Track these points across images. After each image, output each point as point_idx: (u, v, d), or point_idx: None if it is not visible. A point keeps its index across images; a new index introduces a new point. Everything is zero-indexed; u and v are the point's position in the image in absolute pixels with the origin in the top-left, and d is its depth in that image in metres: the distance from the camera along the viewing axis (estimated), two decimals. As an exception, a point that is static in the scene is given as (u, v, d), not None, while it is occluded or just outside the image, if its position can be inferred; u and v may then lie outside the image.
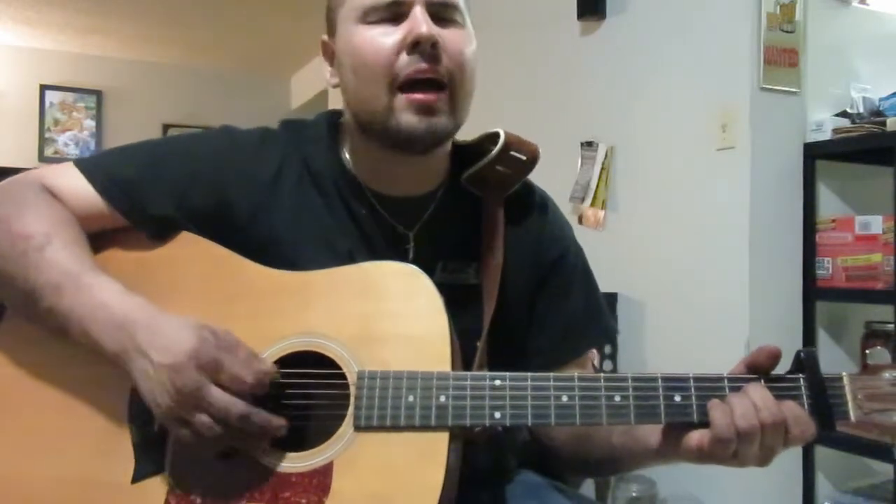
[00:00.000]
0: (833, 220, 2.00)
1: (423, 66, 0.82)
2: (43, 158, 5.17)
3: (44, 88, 5.22)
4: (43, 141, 5.24)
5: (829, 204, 2.10)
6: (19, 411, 0.83)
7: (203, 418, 0.73)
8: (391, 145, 0.86)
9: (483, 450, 0.88)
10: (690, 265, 2.17)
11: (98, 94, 5.36)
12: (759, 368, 0.77)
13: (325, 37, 0.93)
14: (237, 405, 0.73)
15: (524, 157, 0.94)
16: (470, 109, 0.90)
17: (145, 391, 0.74)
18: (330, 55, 0.93)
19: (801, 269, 2.05)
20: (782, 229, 2.04)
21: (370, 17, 0.84)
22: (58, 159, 5.13)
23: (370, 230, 0.91)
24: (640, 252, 2.33)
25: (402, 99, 0.83)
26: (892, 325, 1.90)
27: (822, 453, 2.05)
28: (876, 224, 1.91)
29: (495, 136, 0.94)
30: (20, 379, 0.84)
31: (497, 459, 0.98)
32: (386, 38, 0.83)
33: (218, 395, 0.73)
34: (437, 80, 0.83)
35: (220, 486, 0.77)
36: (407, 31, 0.82)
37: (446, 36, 0.84)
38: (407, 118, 0.83)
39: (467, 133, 1.00)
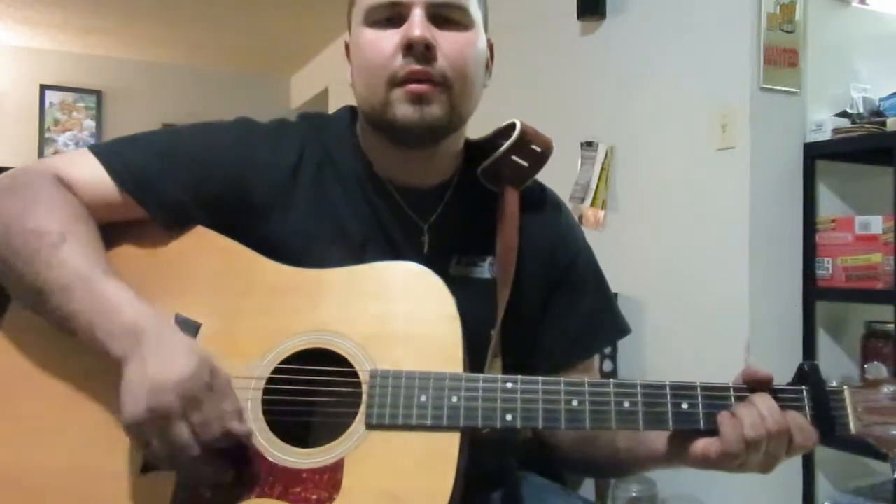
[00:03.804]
0: (833, 220, 2.00)
1: (417, 67, 0.84)
2: (43, 158, 5.18)
3: (44, 88, 5.22)
4: (43, 141, 5.23)
5: (829, 204, 2.10)
6: (26, 401, 0.82)
7: (157, 444, 0.73)
8: (392, 139, 0.89)
9: (487, 452, 0.88)
10: (690, 265, 2.17)
11: (98, 94, 5.36)
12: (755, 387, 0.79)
13: (347, 37, 0.95)
14: (192, 450, 0.73)
15: (539, 149, 0.95)
16: (473, 110, 0.92)
17: (123, 395, 0.73)
18: (349, 54, 0.95)
19: (801, 269, 2.05)
20: (782, 229, 2.04)
21: (373, 17, 0.87)
22: (58, 159, 5.13)
23: (386, 220, 0.92)
24: (640, 252, 2.33)
25: (398, 92, 0.85)
26: (892, 325, 1.90)
27: (822, 453, 2.05)
28: (876, 224, 1.91)
29: (510, 128, 0.95)
30: (26, 369, 0.83)
31: (499, 458, 0.99)
32: (386, 40, 0.85)
33: (179, 432, 0.72)
34: (432, 79, 0.85)
35: (230, 481, 0.77)
36: (403, 34, 0.84)
37: (444, 38, 0.85)
38: (402, 109, 0.85)
39: (472, 132, 1.00)
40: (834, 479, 2.09)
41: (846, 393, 0.78)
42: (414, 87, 0.84)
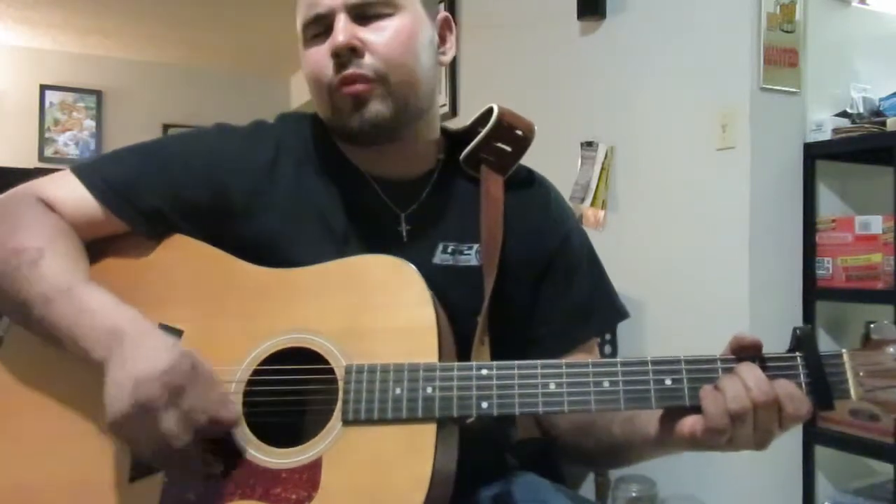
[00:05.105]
0: (833, 220, 2.01)
1: (347, 72, 0.87)
2: (43, 158, 5.17)
3: (44, 88, 5.22)
4: (43, 141, 5.23)
5: (829, 204, 2.10)
6: (17, 416, 0.84)
7: (145, 439, 0.73)
8: (352, 143, 0.92)
9: (480, 447, 0.88)
10: (690, 265, 2.17)
11: (98, 94, 5.36)
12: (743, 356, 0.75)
13: None
14: (180, 439, 0.72)
15: (520, 133, 0.95)
16: (427, 93, 0.92)
17: (106, 394, 0.73)
18: None
19: (801, 268, 2.05)
20: (782, 229, 2.04)
21: (308, 35, 0.90)
22: (58, 159, 5.14)
23: (365, 210, 0.93)
24: (640, 252, 2.33)
25: (339, 100, 0.88)
26: (892, 325, 1.89)
27: (822, 453, 2.05)
28: (876, 224, 1.91)
29: (487, 113, 0.95)
30: (18, 384, 0.84)
31: (493, 455, 0.99)
32: (318, 53, 0.89)
33: (166, 423, 0.72)
34: (365, 78, 0.86)
35: (212, 484, 0.77)
36: (328, 44, 0.87)
37: (369, 32, 0.87)
38: (346, 116, 0.88)
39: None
40: (834, 479, 2.09)
41: (846, 357, 0.73)
42: (348, 90, 0.87)
